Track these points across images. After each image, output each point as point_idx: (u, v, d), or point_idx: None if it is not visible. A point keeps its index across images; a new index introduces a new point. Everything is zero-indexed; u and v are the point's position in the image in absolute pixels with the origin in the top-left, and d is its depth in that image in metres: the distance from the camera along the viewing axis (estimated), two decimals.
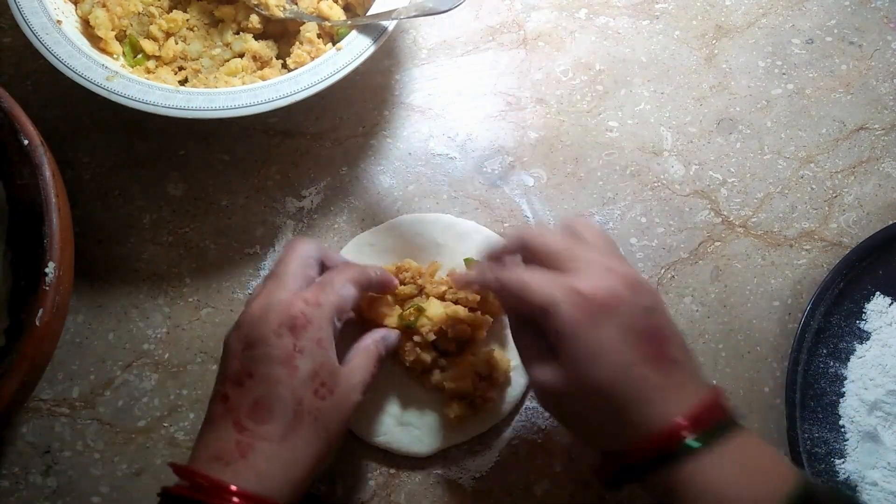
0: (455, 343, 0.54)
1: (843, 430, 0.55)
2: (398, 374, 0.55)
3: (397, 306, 0.54)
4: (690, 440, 0.40)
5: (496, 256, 0.49)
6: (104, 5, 0.60)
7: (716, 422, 0.41)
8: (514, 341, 0.48)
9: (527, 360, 0.47)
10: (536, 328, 0.44)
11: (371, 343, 0.49)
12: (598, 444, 0.44)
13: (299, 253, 0.48)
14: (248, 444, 0.42)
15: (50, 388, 0.55)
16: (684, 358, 0.43)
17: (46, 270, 0.46)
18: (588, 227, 0.47)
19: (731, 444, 0.40)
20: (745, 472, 0.40)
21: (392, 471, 0.54)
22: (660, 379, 0.41)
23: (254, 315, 0.45)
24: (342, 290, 0.47)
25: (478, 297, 0.54)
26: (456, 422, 0.53)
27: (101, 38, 0.60)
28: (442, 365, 0.54)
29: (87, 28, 0.60)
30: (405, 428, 0.54)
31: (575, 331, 0.42)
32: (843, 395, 0.56)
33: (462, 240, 0.59)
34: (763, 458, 0.41)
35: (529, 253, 0.47)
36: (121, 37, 0.62)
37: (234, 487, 0.40)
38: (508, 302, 0.49)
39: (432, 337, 0.52)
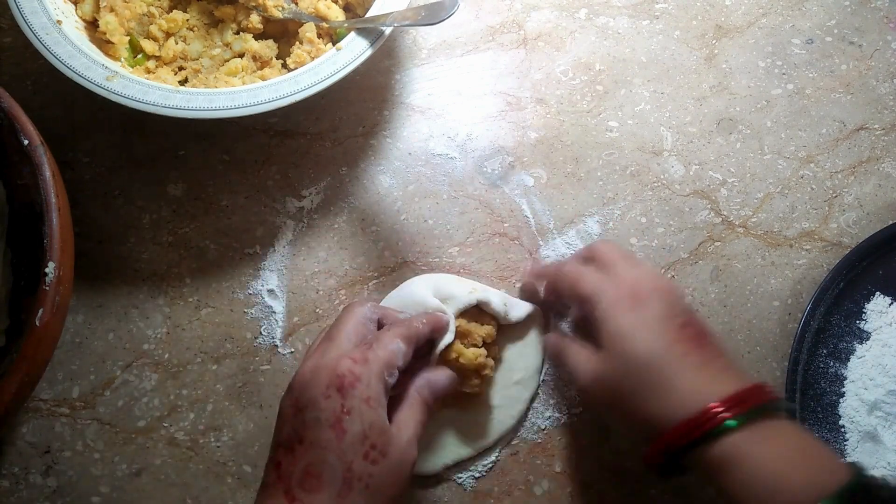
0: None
1: (843, 430, 0.55)
2: None
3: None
4: (729, 421, 0.40)
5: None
6: (112, 9, 0.60)
7: (756, 405, 0.41)
8: (557, 351, 0.51)
9: (573, 364, 0.49)
10: (582, 331, 0.48)
11: (415, 392, 0.47)
12: (642, 429, 0.45)
13: (355, 314, 0.47)
14: None
15: (50, 388, 0.55)
16: (724, 353, 0.45)
17: (46, 270, 0.45)
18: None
19: (771, 428, 0.41)
20: (791, 456, 0.40)
21: None
22: (698, 358, 0.43)
23: (304, 377, 0.44)
24: (391, 345, 0.45)
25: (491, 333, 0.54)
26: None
27: (108, 42, 0.60)
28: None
29: (94, 32, 0.61)
30: None
31: (615, 313, 0.46)
32: (843, 395, 0.56)
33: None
34: (809, 445, 0.41)
35: (592, 257, 0.52)
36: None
37: None
38: (562, 289, 0.52)
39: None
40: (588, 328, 0.49)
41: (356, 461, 0.41)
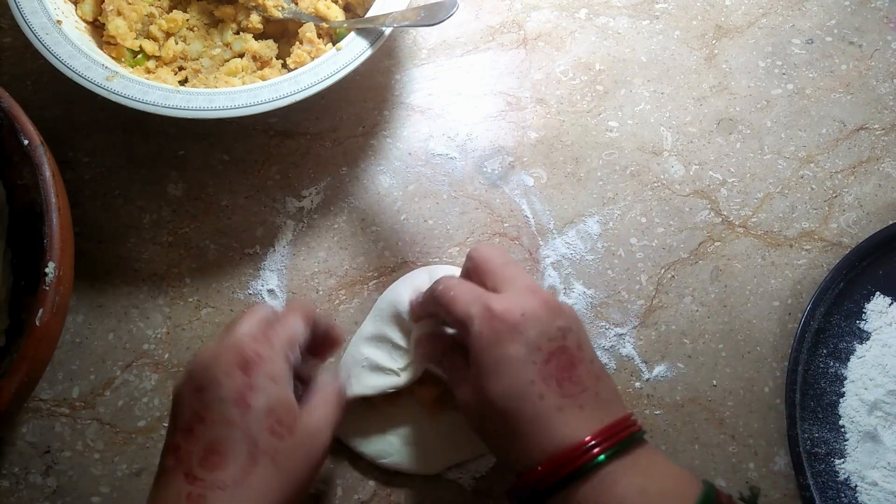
0: None
1: (843, 430, 0.55)
2: (404, 397, 0.54)
3: None
4: (599, 457, 0.40)
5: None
6: (119, 13, 0.60)
7: (617, 440, 0.41)
8: (442, 362, 0.48)
9: (451, 380, 0.47)
10: (462, 349, 0.45)
11: (328, 379, 0.47)
12: (509, 464, 0.44)
13: (254, 309, 0.46)
14: (200, 495, 0.39)
15: (50, 388, 0.55)
16: (591, 383, 0.42)
17: (46, 270, 0.45)
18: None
19: (634, 457, 0.41)
20: (653, 480, 0.40)
21: (392, 471, 0.54)
22: (558, 400, 0.41)
23: (203, 360, 0.42)
24: (292, 323, 0.45)
25: None
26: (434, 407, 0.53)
27: (113, 44, 0.60)
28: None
29: (94, 32, 0.61)
30: (412, 447, 0.53)
31: (482, 346, 0.42)
32: (843, 395, 0.56)
33: None
34: (667, 467, 0.42)
35: (472, 267, 0.48)
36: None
37: None
38: (438, 311, 0.47)
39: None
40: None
41: (261, 436, 0.40)
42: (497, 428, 0.43)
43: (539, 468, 0.40)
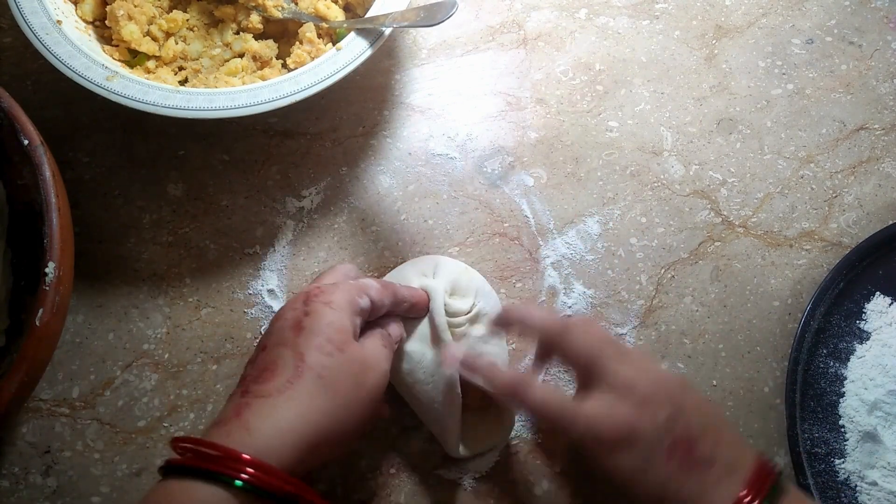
0: None
1: (843, 430, 0.55)
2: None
3: None
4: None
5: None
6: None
7: (773, 482, 0.41)
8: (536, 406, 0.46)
9: (554, 422, 0.45)
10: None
11: (389, 323, 0.49)
12: None
13: (336, 268, 0.50)
14: (245, 403, 0.41)
15: (50, 388, 0.55)
16: (716, 449, 0.42)
17: (46, 270, 0.45)
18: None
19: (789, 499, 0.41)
20: None
21: (392, 471, 0.54)
22: (697, 485, 0.41)
23: (279, 311, 0.46)
24: (366, 279, 0.48)
25: None
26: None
27: (117, 46, 0.60)
28: None
29: (94, 32, 0.61)
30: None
31: (597, 459, 0.42)
32: (843, 395, 0.56)
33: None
34: None
35: (558, 351, 0.47)
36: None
37: (215, 443, 0.38)
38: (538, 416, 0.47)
39: None
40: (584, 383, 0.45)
41: (309, 352, 0.42)
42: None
43: None
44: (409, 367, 0.51)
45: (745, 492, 0.40)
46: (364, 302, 0.46)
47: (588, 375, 0.44)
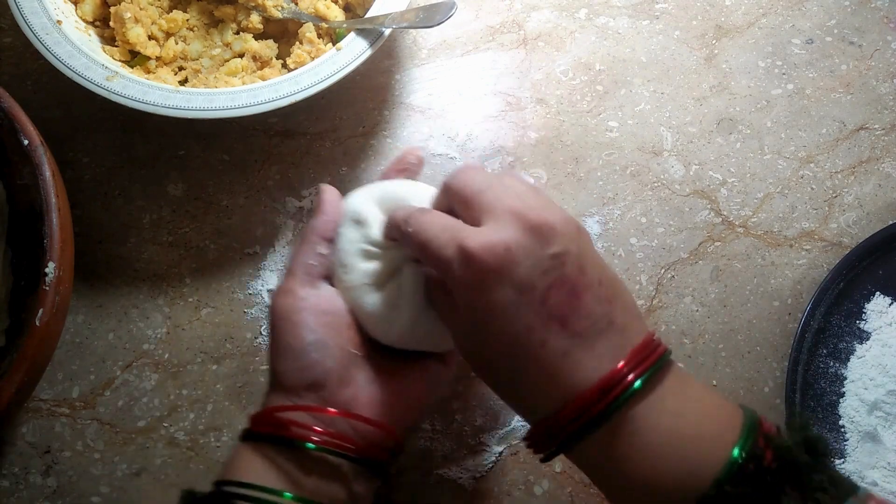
0: None
1: (843, 430, 0.55)
2: None
3: None
4: (636, 383, 0.35)
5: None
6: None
7: (647, 366, 0.36)
8: (431, 294, 0.43)
9: (445, 321, 0.42)
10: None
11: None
12: (522, 416, 0.41)
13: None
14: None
15: (50, 388, 0.55)
16: (603, 309, 0.37)
17: (46, 270, 0.46)
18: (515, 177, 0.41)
19: (668, 381, 0.36)
20: (693, 405, 0.36)
21: (392, 471, 0.54)
22: (563, 342, 0.36)
23: None
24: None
25: None
26: None
27: (117, 46, 0.60)
28: None
29: (95, 32, 0.61)
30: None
31: (465, 295, 0.37)
32: (843, 395, 0.56)
33: None
34: (703, 391, 0.38)
35: (450, 195, 0.41)
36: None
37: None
38: (411, 248, 0.41)
39: None
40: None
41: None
42: (502, 380, 0.39)
43: (560, 413, 0.36)
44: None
45: (621, 364, 0.35)
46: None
47: (475, 216, 0.39)
